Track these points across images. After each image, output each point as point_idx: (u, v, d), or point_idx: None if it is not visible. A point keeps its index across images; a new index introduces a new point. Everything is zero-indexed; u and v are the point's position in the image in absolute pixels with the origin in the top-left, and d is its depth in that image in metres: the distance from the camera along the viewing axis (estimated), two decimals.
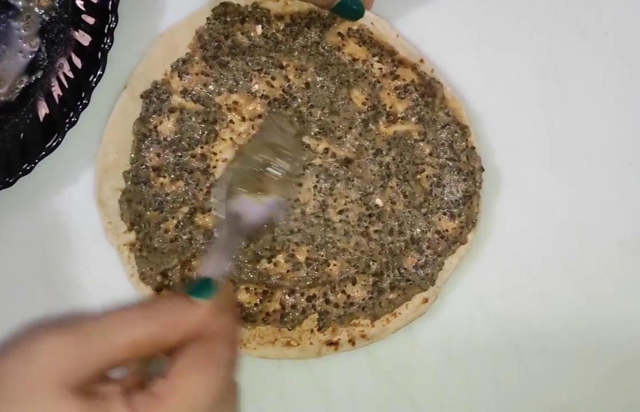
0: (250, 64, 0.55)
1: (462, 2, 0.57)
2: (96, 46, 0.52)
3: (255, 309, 0.54)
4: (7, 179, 0.52)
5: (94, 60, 0.52)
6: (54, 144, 0.52)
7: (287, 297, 0.54)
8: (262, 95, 0.55)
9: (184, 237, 0.54)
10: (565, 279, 0.56)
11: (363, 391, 0.56)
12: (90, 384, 0.39)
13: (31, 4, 0.54)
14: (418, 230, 0.54)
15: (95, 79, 0.52)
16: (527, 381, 0.56)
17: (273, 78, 0.55)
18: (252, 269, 0.54)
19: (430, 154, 0.55)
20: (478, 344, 0.56)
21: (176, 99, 0.54)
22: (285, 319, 0.54)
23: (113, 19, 0.52)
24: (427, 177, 0.55)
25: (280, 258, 0.54)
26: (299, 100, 0.55)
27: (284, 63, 0.55)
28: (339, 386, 0.56)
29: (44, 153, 0.52)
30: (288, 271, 0.54)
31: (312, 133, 0.54)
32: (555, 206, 0.57)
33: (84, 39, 0.53)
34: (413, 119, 0.55)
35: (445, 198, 0.55)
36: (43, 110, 0.54)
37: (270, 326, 0.54)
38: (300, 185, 0.54)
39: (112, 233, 0.54)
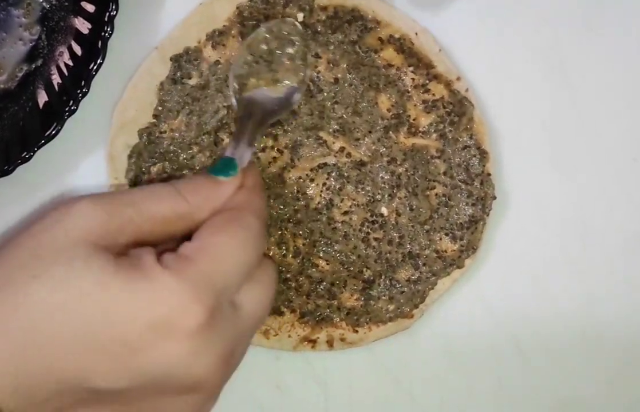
0: None
1: None
2: (96, 34, 0.52)
3: None
4: (5, 168, 0.52)
5: (94, 48, 0.52)
6: (53, 132, 0.52)
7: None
8: None
9: None
10: (568, 276, 0.56)
11: (362, 385, 0.56)
12: (121, 248, 0.40)
13: None
14: (417, 246, 0.54)
15: (95, 68, 0.52)
16: (528, 378, 0.56)
17: None
18: None
19: (444, 173, 0.54)
20: (479, 341, 0.56)
21: (205, 68, 0.54)
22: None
23: (113, 7, 0.51)
24: (436, 194, 0.54)
25: (274, 245, 0.54)
26: (325, 93, 0.54)
27: (318, 53, 0.54)
28: (338, 379, 0.56)
29: (43, 141, 0.52)
30: (279, 258, 0.54)
31: (331, 129, 0.54)
32: (558, 202, 0.56)
33: (84, 27, 0.53)
34: (434, 135, 0.54)
35: (451, 219, 0.54)
36: (42, 98, 0.53)
37: None
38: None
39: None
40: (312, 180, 0.54)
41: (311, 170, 0.54)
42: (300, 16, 0.54)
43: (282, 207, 0.54)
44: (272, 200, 0.54)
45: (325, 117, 0.54)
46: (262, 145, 0.54)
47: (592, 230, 0.56)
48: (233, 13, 0.54)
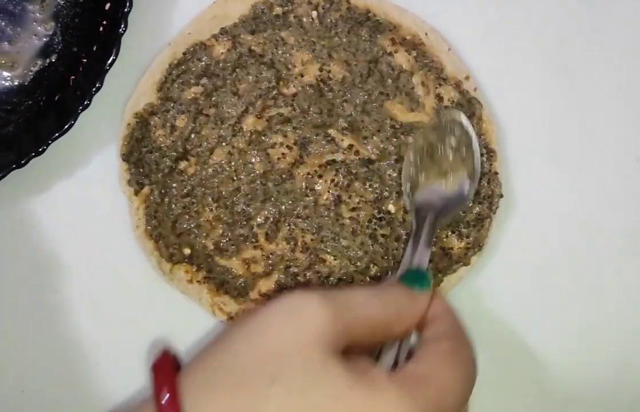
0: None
1: None
2: (110, 31, 0.52)
3: (250, 282, 0.54)
4: (19, 161, 0.52)
5: (108, 44, 0.52)
6: (67, 126, 0.52)
7: (283, 279, 0.54)
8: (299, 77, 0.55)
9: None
10: (574, 274, 0.56)
11: None
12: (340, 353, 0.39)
13: None
14: None
15: (109, 63, 0.52)
16: (534, 375, 0.56)
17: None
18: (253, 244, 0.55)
19: None
20: (485, 338, 0.56)
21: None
22: None
23: (128, 3, 0.52)
24: None
25: (282, 240, 0.54)
26: (335, 91, 0.55)
27: (330, 53, 0.55)
28: None
29: (56, 135, 0.52)
30: (288, 254, 0.54)
31: (340, 127, 0.55)
32: (563, 202, 0.57)
33: (99, 23, 0.53)
34: None
35: (457, 217, 0.54)
36: (56, 93, 0.54)
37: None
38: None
39: (126, 181, 0.55)
40: (320, 176, 0.54)
41: (320, 166, 0.55)
42: (315, 14, 0.55)
43: (290, 202, 0.54)
44: (281, 196, 0.54)
45: (334, 115, 0.55)
46: (271, 141, 0.54)
47: (596, 229, 0.57)
48: (248, 10, 0.55)
